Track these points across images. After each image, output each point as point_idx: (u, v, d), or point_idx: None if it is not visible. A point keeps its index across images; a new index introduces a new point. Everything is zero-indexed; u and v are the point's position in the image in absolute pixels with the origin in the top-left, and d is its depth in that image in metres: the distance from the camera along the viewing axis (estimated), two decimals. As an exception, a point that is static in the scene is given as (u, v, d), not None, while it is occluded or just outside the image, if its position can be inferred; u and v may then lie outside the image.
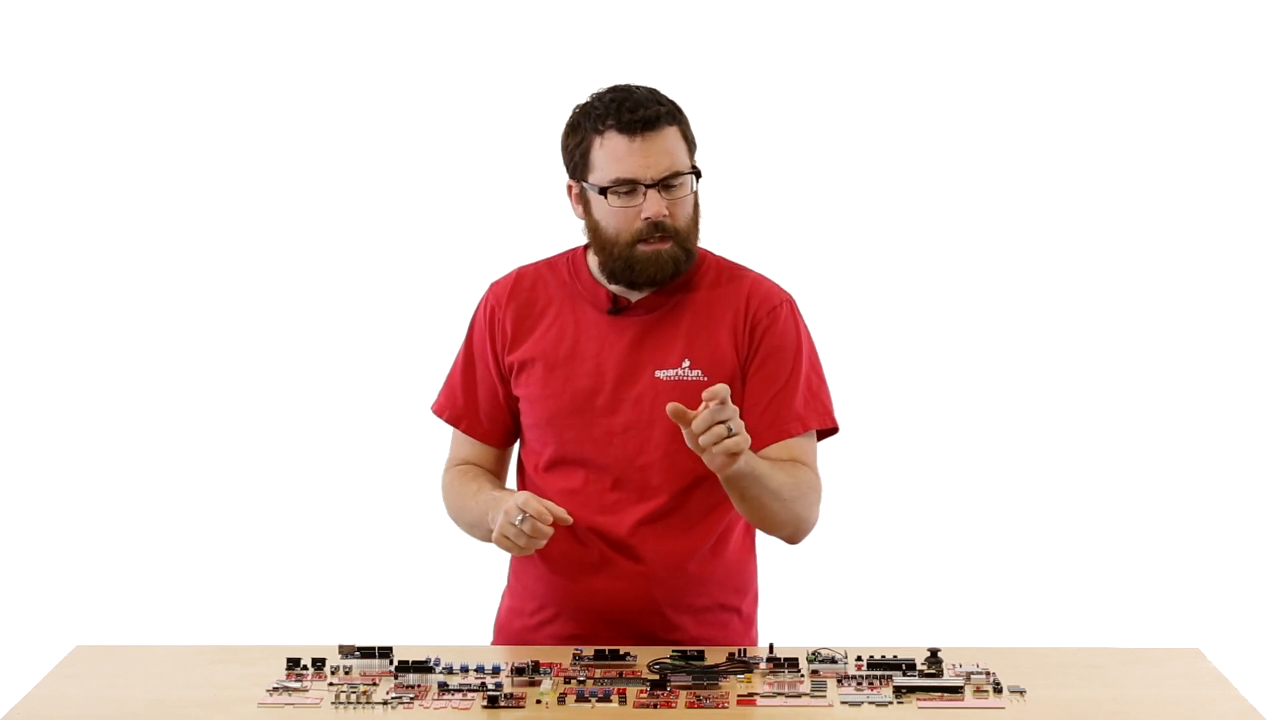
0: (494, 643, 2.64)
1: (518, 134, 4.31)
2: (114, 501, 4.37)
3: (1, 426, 4.39)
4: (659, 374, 2.49)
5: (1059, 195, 4.41)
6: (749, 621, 2.61)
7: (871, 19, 4.39)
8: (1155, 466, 4.37)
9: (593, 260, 2.55)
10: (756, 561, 2.63)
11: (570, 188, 2.53)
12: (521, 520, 2.34)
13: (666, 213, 2.43)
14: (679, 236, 2.45)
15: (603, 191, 2.45)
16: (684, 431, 2.24)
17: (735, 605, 2.57)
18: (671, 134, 2.45)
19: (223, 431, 4.40)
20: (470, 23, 4.39)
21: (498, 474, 2.63)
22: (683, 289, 2.53)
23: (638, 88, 2.47)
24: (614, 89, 2.47)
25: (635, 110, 2.43)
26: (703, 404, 2.22)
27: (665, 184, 2.44)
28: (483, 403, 2.60)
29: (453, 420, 2.62)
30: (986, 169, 4.41)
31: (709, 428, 2.22)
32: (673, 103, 2.48)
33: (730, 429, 2.22)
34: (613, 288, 2.53)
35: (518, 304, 2.57)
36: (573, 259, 2.58)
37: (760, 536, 2.61)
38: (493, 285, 2.62)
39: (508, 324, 2.56)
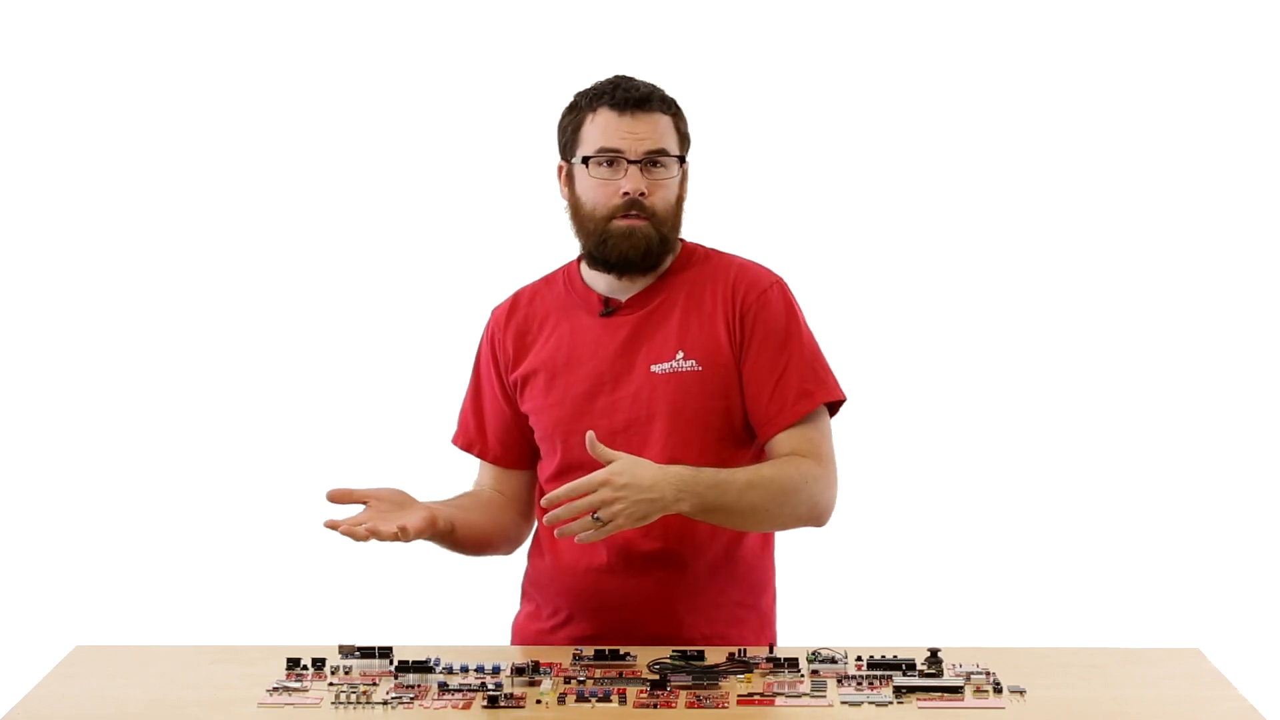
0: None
1: (533, 155, 4.31)
2: (114, 501, 4.37)
3: (2, 426, 4.39)
4: (654, 368, 2.49)
5: (1058, 190, 4.41)
6: (766, 619, 2.59)
7: (862, 11, 4.40)
8: (1155, 466, 4.37)
9: (586, 268, 2.56)
10: (774, 558, 2.61)
11: (560, 169, 2.55)
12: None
13: (645, 190, 2.45)
14: (655, 218, 2.46)
15: (585, 161, 2.47)
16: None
17: (752, 603, 2.56)
18: (663, 120, 2.48)
19: (223, 432, 4.40)
20: (479, 49, 4.40)
21: (526, 498, 2.64)
22: (670, 282, 2.53)
23: (640, 80, 2.51)
24: (616, 75, 2.52)
25: (630, 91, 2.47)
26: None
27: (649, 163, 2.46)
28: (494, 428, 2.62)
29: (467, 448, 2.66)
30: (983, 167, 4.41)
31: (575, 510, 2.27)
32: (672, 98, 2.52)
33: (597, 517, 2.27)
34: (601, 289, 2.54)
35: (516, 323, 2.59)
36: (568, 271, 2.61)
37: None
38: (494, 311, 2.65)
39: (509, 344, 2.59)
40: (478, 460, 2.67)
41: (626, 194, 2.44)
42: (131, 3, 4.36)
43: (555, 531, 2.30)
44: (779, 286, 2.54)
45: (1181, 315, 4.40)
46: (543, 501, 2.31)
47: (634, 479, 2.28)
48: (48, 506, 4.36)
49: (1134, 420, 4.39)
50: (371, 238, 4.43)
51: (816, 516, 2.48)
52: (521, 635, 2.62)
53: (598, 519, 2.27)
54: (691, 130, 2.55)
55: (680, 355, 2.50)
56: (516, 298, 2.63)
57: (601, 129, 2.47)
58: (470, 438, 2.65)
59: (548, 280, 2.63)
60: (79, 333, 4.39)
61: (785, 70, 4.39)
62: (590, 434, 2.31)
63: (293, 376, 4.41)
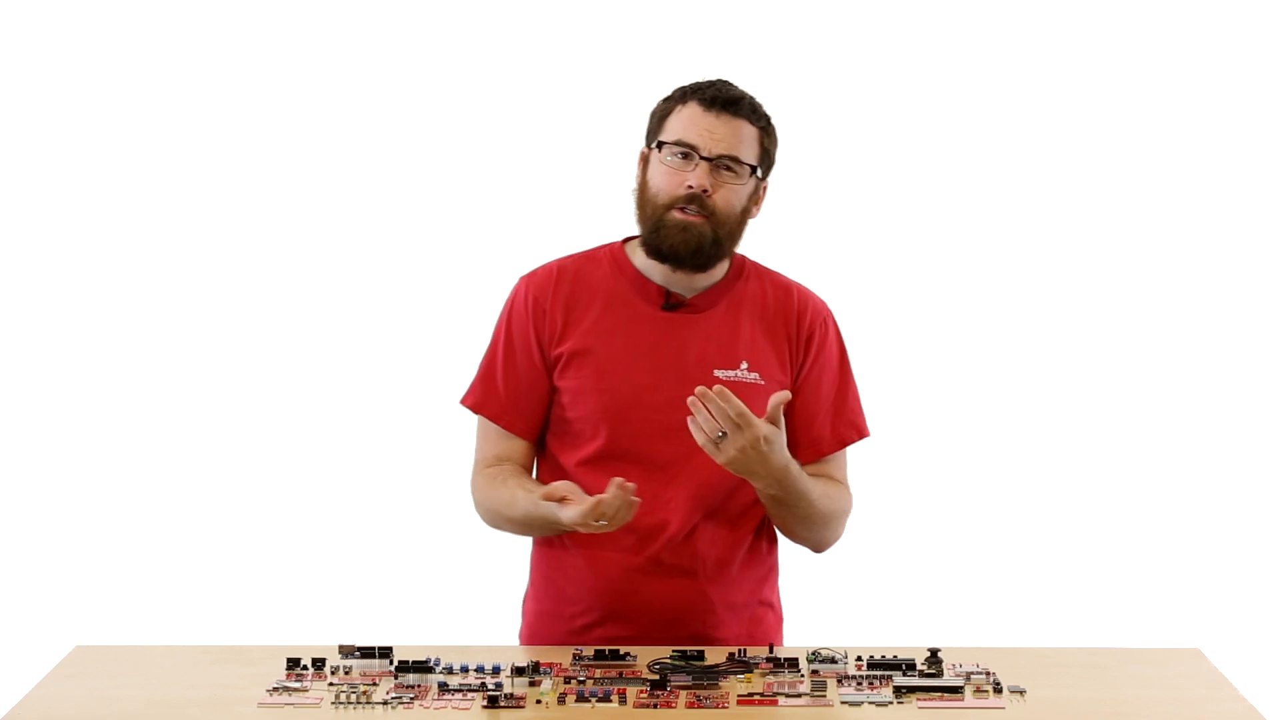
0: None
1: (534, 132, 4.32)
2: (114, 501, 4.36)
3: (2, 426, 4.38)
4: (718, 373, 2.49)
5: (1067, 199, 4.41)
6: (779, 616, 2.62)
7: (893, 25, 4.40)
8: (1155, 466, 4.37)
9: (636, 255, 2.53)
10: (778, 554, 2.63)
11: (642, 155, 2.53)
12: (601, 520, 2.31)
13: (709, 188, 2.44)
14: (714, 218, 2.44)
15: (661, 146, 2.46)
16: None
17: (769, 599, 2.59)
18: (747, 129, 2.47)
19: (223, 431, 4.40)
20: (497, 29, 4.39)
21: (528, 468, 2.57)
22: (733, 288, 2.53)
23: (741, 87, 2.50)
24: (719, 79, 2.51)
25: (723, 91, 2.47)
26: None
27: (721, 165, 2.45)
28: (524, 397, 2.54)
29: (494, 416, 2.55)
30: (999, 177, 4.41)
31: (718, 413, 2.29)
32: (766, 114, 2.51)
33: (719, 436, 2.30)
34: (658, 279, 2.51)
35: (565, 295, 2.53)
36: (613, 253, 2.56)
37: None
38: (529, 277, 2.57)
39: (557, 315, 2.52)
40: (480, 429, 2.57)
41: (690, 187, 2.43)
42: (132, 3, 4.36)
43: (691, 397, 2.28)
44: (833, 316, 2.60)
45: (1180, 316, 4.40)
46: (706, 390, 2.28)
47: (771, 453, 2.33)
48: (48, 506, 4.36)
49: (1134, 421, 4.39)
50: (362, 231, 4.43)
51: (824, 545, 2.57)
52: (537, 637, 2.56)
53: (717, 443, 2.30)
54: None
55: (744, 366, 2.51)
56: (560, 268, 2.56)
57: (685, 121, 2.46)
58: (500, 406, 2.54)
59: (589, 258, 2.57)
60: (78, 332, 4.39)
61: (786, 75, 4.39)
62: (785, 393, 2.32)
63: (292, 378, 4.41)
